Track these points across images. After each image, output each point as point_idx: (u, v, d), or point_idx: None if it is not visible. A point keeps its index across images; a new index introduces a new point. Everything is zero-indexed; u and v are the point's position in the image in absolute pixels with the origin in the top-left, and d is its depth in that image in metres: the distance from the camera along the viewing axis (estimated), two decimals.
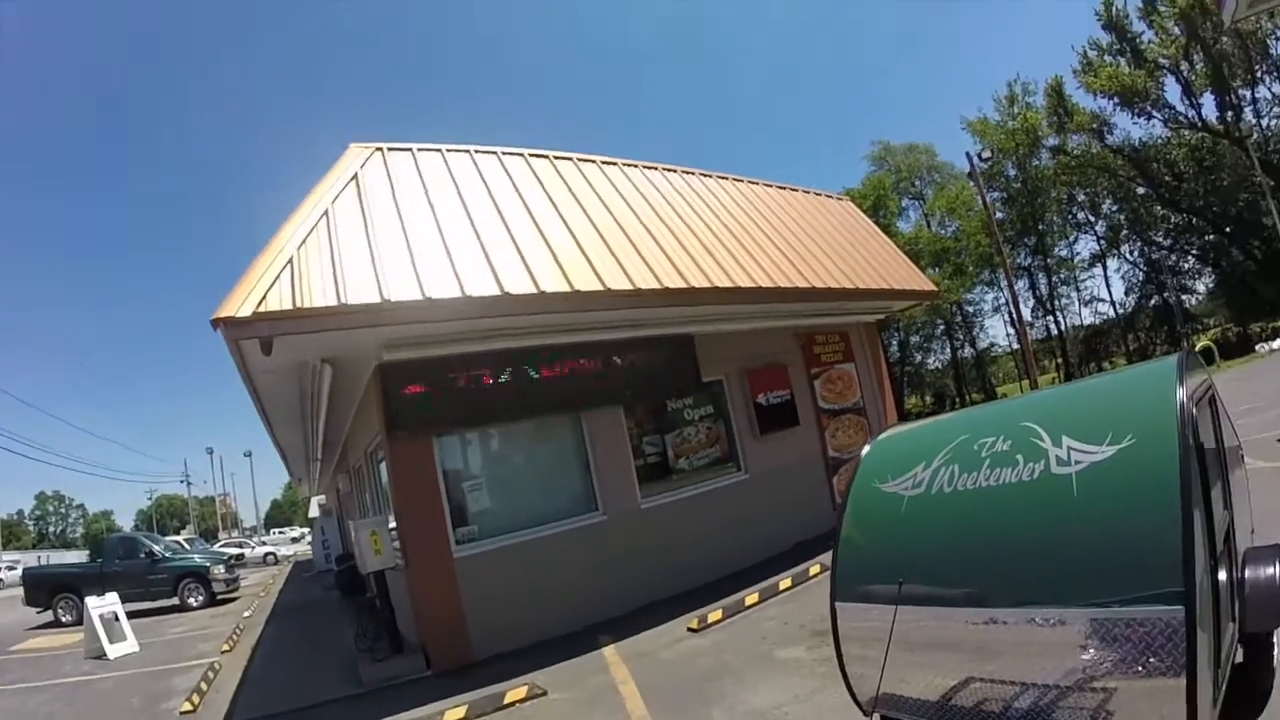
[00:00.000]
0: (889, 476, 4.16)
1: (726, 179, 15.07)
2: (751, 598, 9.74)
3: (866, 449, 4.62)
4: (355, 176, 9.53)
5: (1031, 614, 3.29)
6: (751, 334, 13.32)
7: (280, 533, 74.08)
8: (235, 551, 35.23)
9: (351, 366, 10.07)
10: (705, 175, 14.59)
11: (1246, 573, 3.93)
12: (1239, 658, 3.99)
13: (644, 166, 13.40)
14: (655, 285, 10.49)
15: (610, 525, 10.86)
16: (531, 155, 11.71)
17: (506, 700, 7.46)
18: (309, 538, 43.69)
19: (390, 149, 10.33)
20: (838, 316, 15.45)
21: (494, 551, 9.94)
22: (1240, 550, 4.14)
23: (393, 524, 10.34)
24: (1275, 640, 4.14)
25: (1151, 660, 2.91)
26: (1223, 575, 3.52)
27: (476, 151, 11.12)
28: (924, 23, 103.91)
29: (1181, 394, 3.28)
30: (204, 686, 10.36)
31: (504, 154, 11.39)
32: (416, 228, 9.25)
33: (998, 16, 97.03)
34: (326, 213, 8.83)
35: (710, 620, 9.13)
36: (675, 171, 13.98)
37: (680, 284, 10.81)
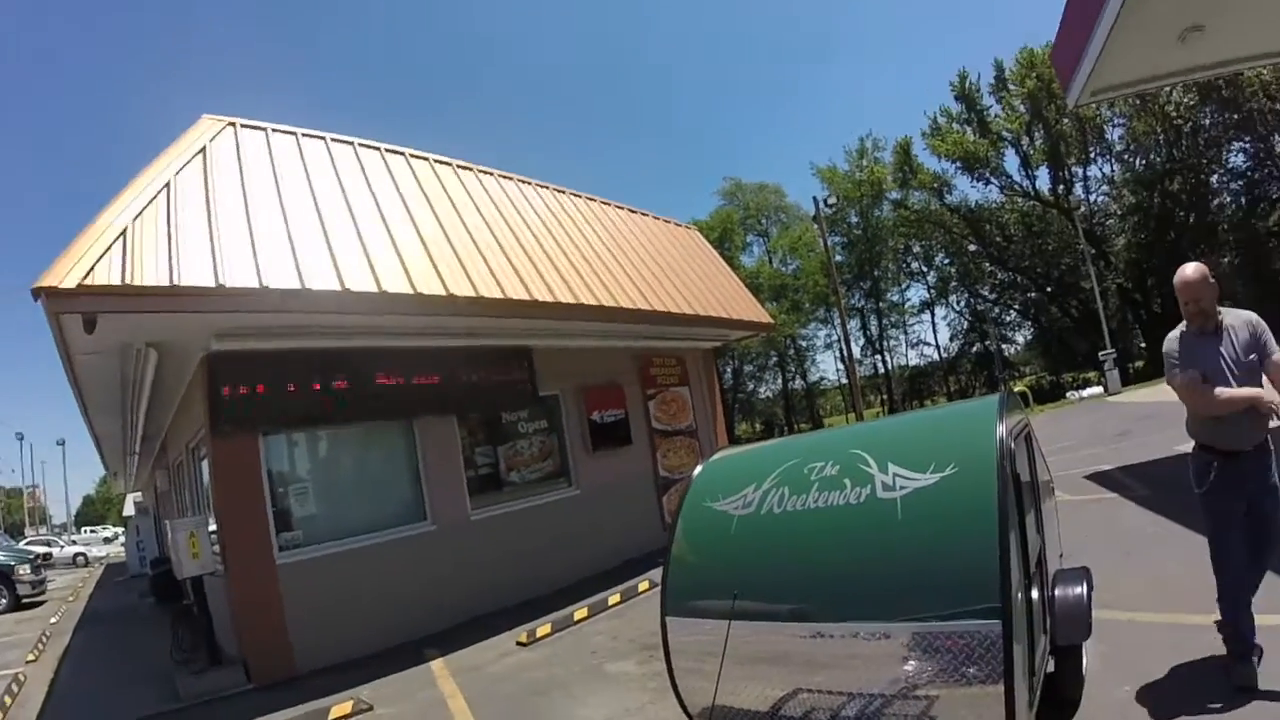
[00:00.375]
0: (720, 496, 4.32)
1: (580, 197, 15.28)
2: (581, 613, 9.81)
3: (699, 469, 4.80)
4: (204, 150, 9.06)
5: (857, 628, 3.52)
6: (590, 352, 13.53)
7: (92, 531, 67.74)
8: (43, 550, 32.96)
9: (179, 353, 9.47)
10: (559, 191, 14.75)
11: (1056, 591, 4.41)
12: (1051, 668, 4.41)
13: (499, 175, 13.42)
14: (498, 294, 10.49)
15: (439, 536, 10.73)
16: (388, 150, 11.53)
17: (331, 716, 7.25)
18: (123, 538, 40.99)
19: (244, 125, 9.92)
20: (676, 341, 15.83)
21: (319, 559, 9.55)
22: (1051, 572, 4.60)
23: (213, 526, 9.77)
24: (1083, 652, 4.57)
25: (971, 670, 3.18)
26: (1035, 594, 3.90)
27: (332, 140, 10.86)
28: (796, 72, 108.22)
29: (1001, 429, 3.59)
30: (7, 701, 9.62)
31: (360, 145, 11.17)
32: (261, 212, 8.87)
33: (861, 76, 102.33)
34: (168, 185, 8.34)
35: (539, 634, 9.14)
36: (530, 184, 14.07)
37: (523, 295, 10.86)
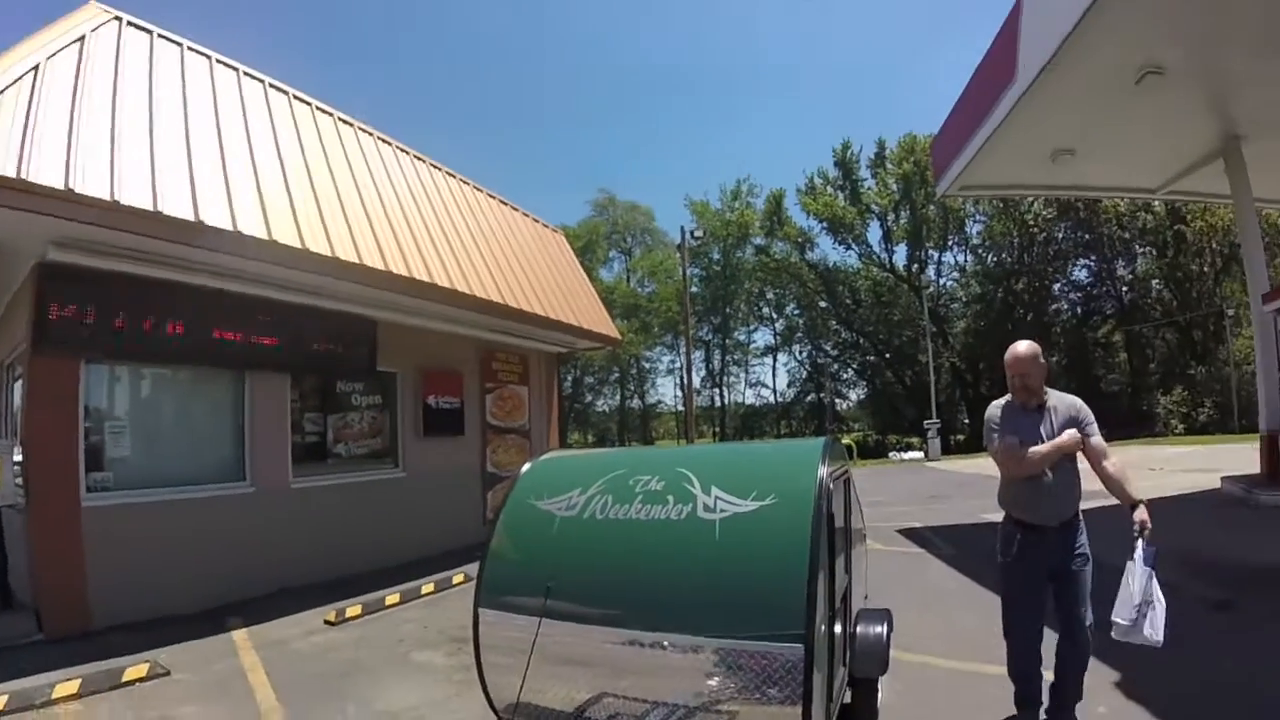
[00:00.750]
0: (545, 495, 4.36)
1: (454, 177, 15.16)
2: (393, 598, 9.68)
3: (527, 466, 4.84)
4: (82, 39, 8.41)
5: (667, 639, 3.61)
6: (436, 335, 13.43)
7: None
8: None
9: (8, 255, 8.71)
10: (435, 167, 14.58)
11: (859, 628, 4.70)
12: (848, 699, 4.67)
13: (379, 137, 13.12)
14: (353, 258, 10.29)
15: (257, 499, 10.28)
16: (272, 86, 11.00)
17: (125, 678, 6.79)
18: None
19: (130, 23, 9.21)
20: (522, 339, 15.87)
21: (129, 506, 8.91)
22: (855, 610, 4.90)
23: (19, 456, 8.80)
24: (879, 687, 4.94)
25: (772, 690, 3.34)
26: (839, 627, 4.16)
27: (217, 60, 10.26)
28: (692, 105, 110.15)
29: (823, 470, 3.80)
30: None
31: (244, 73, 10.63)
32: (129, 121, 8.29)
33: (756, 122, 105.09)
34: (37, 68, 7.72)
35: (348, 615, 8.96)
36: (408, 153, 13.85)
37: (379, 265, 10.69)
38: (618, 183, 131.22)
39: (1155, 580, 4.24)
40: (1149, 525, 4.43)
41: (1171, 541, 10.28)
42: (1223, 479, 15.25)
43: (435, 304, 12.36)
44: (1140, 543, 4.36)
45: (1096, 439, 4.79)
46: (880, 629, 4.71)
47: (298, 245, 9.50)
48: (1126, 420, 48.25)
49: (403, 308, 12.21)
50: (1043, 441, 4.75)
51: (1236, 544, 10.39)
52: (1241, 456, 18.17)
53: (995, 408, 5.07)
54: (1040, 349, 4.96)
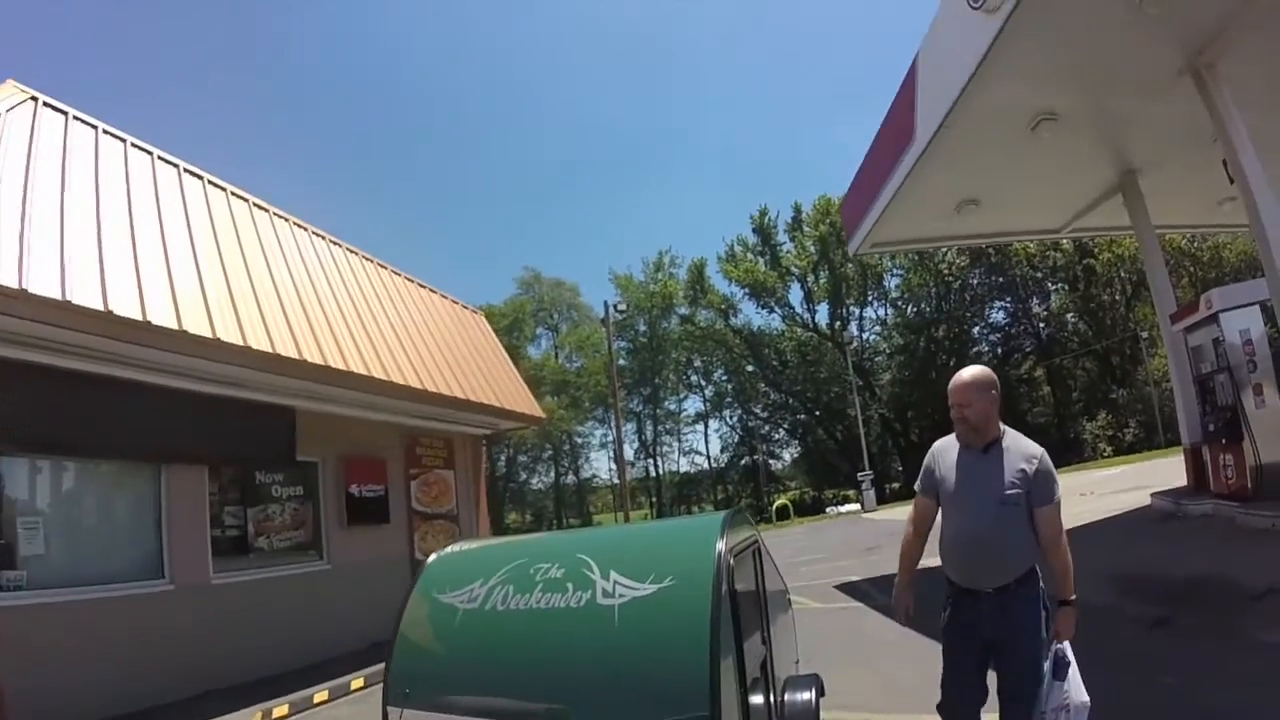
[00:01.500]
0: (448, 588, 4.29)
1: (371, 261, 15.11)
2: (321, 695, 9.43)
3: (432, 558, 4.76)
4: None
5: None
6: (357, 421, 13.25)
7: None
8: None
9: None
10: (351, 251, 14.54)
11: (786, 697, 4.68)
12: None
13: (294, 223, 13.03)
14: (267, 348, 10.14)
15: (178, 597, 9.92)
16: (186, 171, 10.93)
17: None
18: None
19: (46, 104, 9.16)
20: (446, 423, 15.74)
21: (44, 607, 8.53)
22: (782, 678, 4.86)
23: None
24: None
25: None
26: (759, 700, 4.05)
27: (132, 144, 10.18)
28: (622, 183, 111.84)
29: (721, 546, 3.73)
30: None
31: (159, 158, 10.53)
32: (40, 206, 8.18)
33: (672, 195, 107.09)
34: None
35: (276, 716, 8.72)
36: (324, 238, 13.78)
37: (293, 353, 10.56)
38: (543, 259, 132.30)
39: (1074, 686, 3.90)
40: (1068, 630, 4.00)
41: (1107, 563, 10.73)
42: (1152, 495, 15.62)
43: (354, 391, 12.21)
44: (1054, 649, 3.97)
45: (1047, 509, 4.03)
46: (808, 695, 4.71)
47: (208, 335, 9.34)
48: (1055, 449, 49.83)
49: (321, 396, 12.02)
50: (978, 495, 4.07)
51: (1169, 558, 10.64)
52: (1170, 470, 18.68)
53: (935, 451, 4.43)
54: (993, 378, 4.27)
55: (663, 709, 3.32)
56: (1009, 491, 3.98)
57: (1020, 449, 4.14)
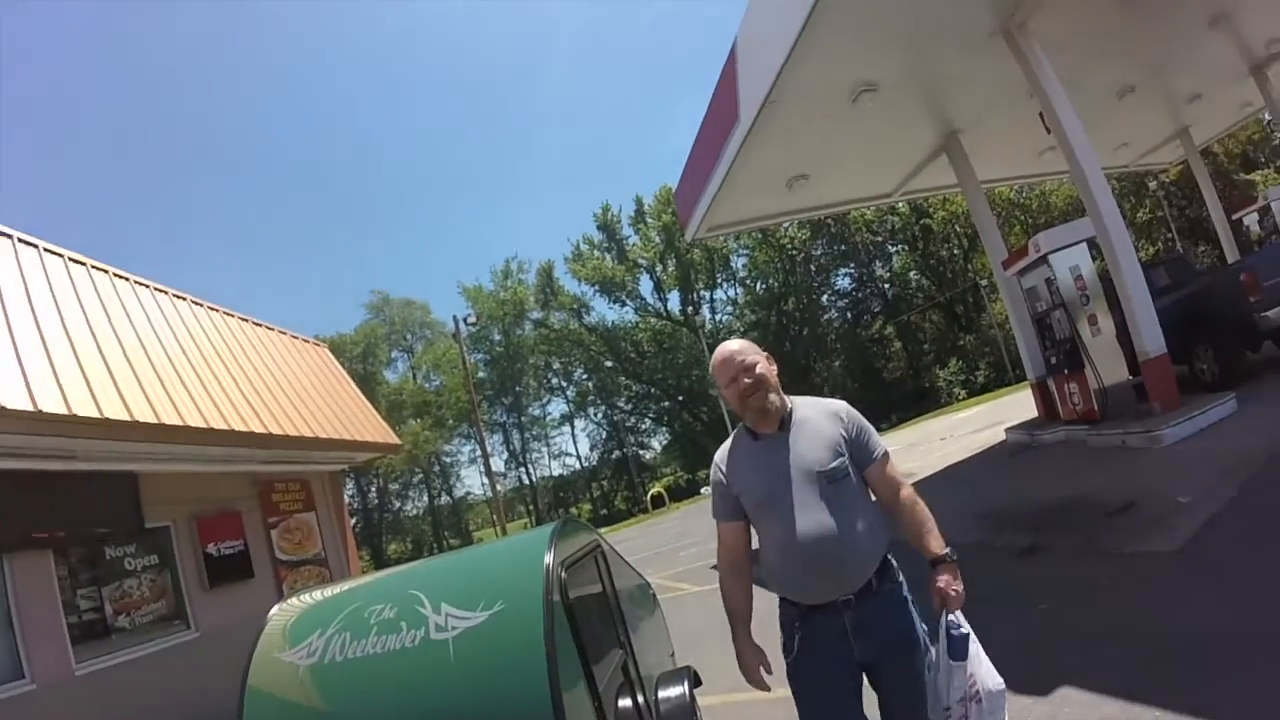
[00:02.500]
0: (288, 646, 4.11)
1: (201, 305, 14.29)
2: None
3: (272, 612, 4.56)
4: None
5: None
6: (205, 477, 12.57)
7: None
8: None
9: None
10: (179, 297, 13.69)
11: (660, 694, 4.62)
12: None
13: (113, 273, 12.15)
14: (94, 414, 9.35)
15: (40, 698, 9.04)
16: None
17: None
18: None
19: None
20: (299, 464, 15.17)
21: None
22: (655, 676, 4.83)
23: None
24: None
25: None
26: (627, 703, 4.03)
27: None
28: (464, 195, 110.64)
29: (549, 560, 3.67)
30: None
31: None
32: None
33: (513, 201, 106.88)
34: None
35: None
36: (147, 286, 12.91)
37: (123, 416, 9.77)
38: (391, 281, 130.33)
39: (979, 667, 3.10)
40: (957, 593, 3.15)
41: (970, 500, 11.16)
42: (1007, 430, 16.44)
43: (196, 446, 11.54)
44: (945, 621, 3.14)
45: (877, 465, 3.37)
46: (680, 690, 4.68)
47: (29, 408, 8.55)
48: (912, 399, 53.81)
49: (163, 456, 11.31)
50: (793, 483, 3.25)
51: (1029, 487, 11.14)
52: (1021, 405, 19.59)
53: (719, 462, 3.57)
54: (763, 353, 3.48)
55: None
56: (832, 463, 3.24)
57: (819, 410, 3.45)
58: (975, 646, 3.10)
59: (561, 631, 3.42)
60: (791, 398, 3.46)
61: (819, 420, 3.37)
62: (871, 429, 3.43)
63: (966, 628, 3.11)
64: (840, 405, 3.46)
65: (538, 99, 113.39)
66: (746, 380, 3.32)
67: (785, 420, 3.37)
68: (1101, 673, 4.83)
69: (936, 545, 3.22)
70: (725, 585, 3.56)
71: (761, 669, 3.47)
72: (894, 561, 3.38)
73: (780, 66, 11.19)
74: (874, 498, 3.39)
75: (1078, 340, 12.54)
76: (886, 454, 3.40)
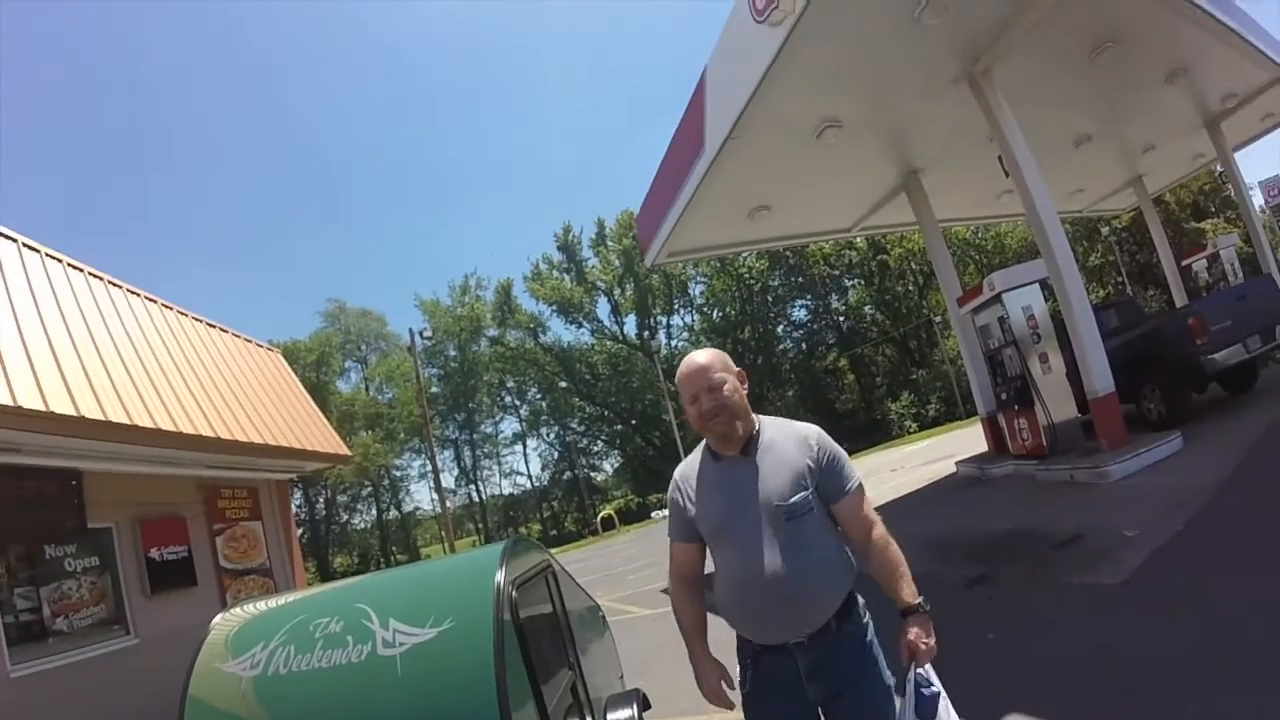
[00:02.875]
0: (230, 656, 4.06)
1: (155, 302, 14.04)
2: None
3: (215, 621, 4.52)
4: None
5: None
6: (150, 479, 12.34)
7: None
8: None
9: None
10: (133, 292, 13.42)
11: (608, 716, 4.63)
12: None
13: (68, 263, 11.92)
14: (40, 406, 9.10)
15: None
16: None
17: None
18: None
19: None
20: (246, 471, 14.95)
21: None
22: (603, 698, 4.86)
23: None
24: None
25: None
26: None
27: None
28: (425, 207, 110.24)
29: (500, 578, 3.67)
30: None
31: None
32: None
33: (474, 217, 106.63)
34: None
35: None
36: (101, 279, 12.64)
37: (69, 411, 9.51)
38: (349, 290, 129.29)
39: None
40: (928, 646, 2.95)
41: (922, 530, 11.35)
42: (957, 463, 16.80)
43: (142, 446, 11.33)
44: (913, 676, 2.93)
45: (849, 499, 3.11)
46: (629, 712, 4.70)
47: None
48: (864, 430, 54.58)
49: (108, 454, 11.04)
50: (751, 514, 3.03)
51: (979, 519, 11.33)
52: (972, 439, 19.99)
53: (677, 482, 3.36)
54: (731, 364, 3.25)
55: None
56: (794, 498, 3.00)
57: (788, 435, 3.20)
58: (945, 706, 2.90)
59: (511, 651, 3.41)
60: (760, 418, 3.24)
61: (786, 446, 3.12)
62: (845, 459, 3.17)
63: (938, 686, 2.93)
64: (812, 431, 3.21)
65: (506, 116, 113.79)
66: (710, 402, 3.09)
67: (750, 443, 3.15)
68: (1050, 701, 4.91)
69: (909, 594, 3.02)
70: (677, 604, 3.40)
71: (723, 683, 3.24)
72: (860, 600, 3.18)
73: (747, 100, 11.35)
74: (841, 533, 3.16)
75: (1028, 377, 12.81)
76: (860, 488, 3.15)
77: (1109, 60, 13.51)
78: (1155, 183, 25.57)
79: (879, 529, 3.10)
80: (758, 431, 3.17)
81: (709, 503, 3.16)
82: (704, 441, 3.29)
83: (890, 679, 3.09)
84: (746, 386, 3.22)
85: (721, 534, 3.12)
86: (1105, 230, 50.80)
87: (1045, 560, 8.09)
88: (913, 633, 2.94)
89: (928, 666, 2.95)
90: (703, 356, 3.18)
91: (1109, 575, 6.94)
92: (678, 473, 3.37)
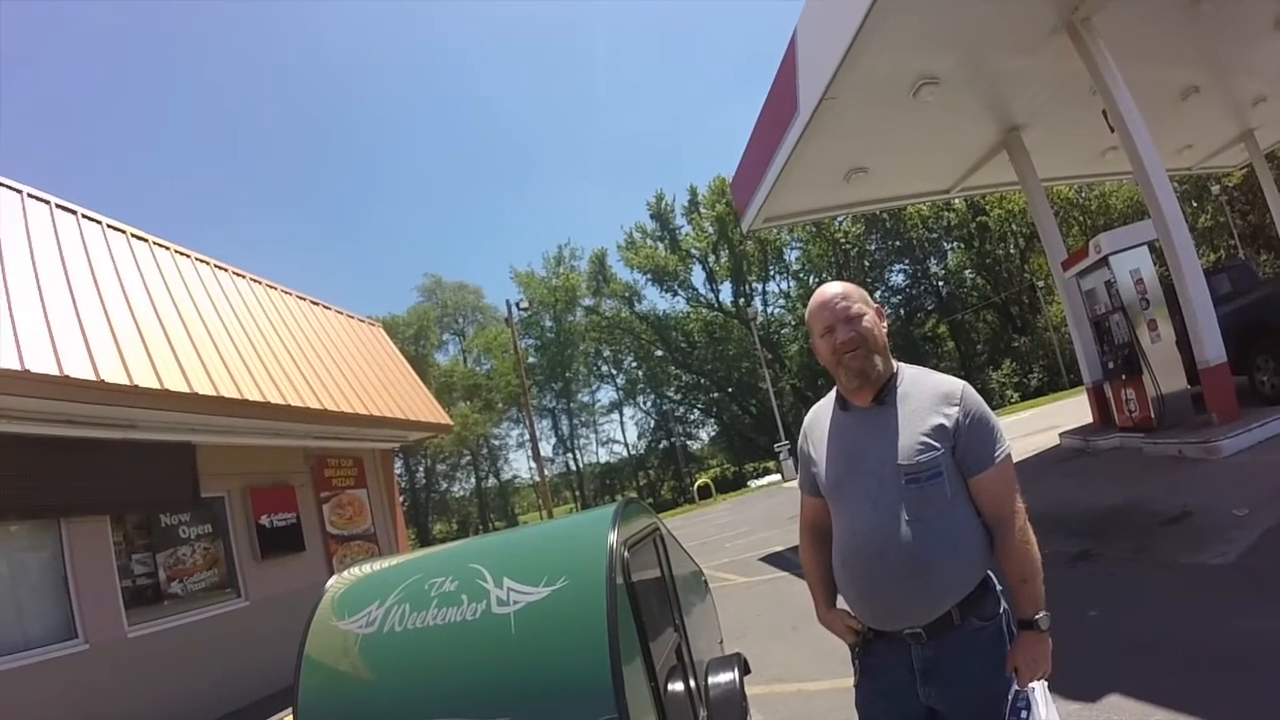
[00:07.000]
0: (345, 615, 4.15)
1: (260, 283, 14.62)
2: None
3: (330, 583, 4.57)
4: None
5: None
6: (260, 450, 12.86)
7: None
8: None
9: None
10: (239, 275, 13.99)
11: (709, 679, 4.64)
12: None
13: (175, 250, 12.43)
14: (155, 385, 9.64)
15: (93, 657, 9.31)
16: (59, 206, 10.30)
17: None
18: None
19: None
20: (352, 441, 15.42)
21: None
22: (705, 661, 4.85)
23: None
24: None
25: None
26: (678, 686, 4.03)
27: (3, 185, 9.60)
28: (519, 180, 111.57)
29: (613, 538, 3.67)
30: None
31: (29, 195, 9.92)
32: None
33: (567, 188, 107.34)
34: None
35: None
36: (208, 263, 13.20)
37: (183, 388, 10.07)
38: (445, 265, 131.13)
39: None
40: (1032, 670, 2.53)
41: (1026, 505, 10.95)
42: (1061, 434, 16.17)
43: (253, 420, 11.83)
44: (1012, 695, 2.50)
45: (990, 473, 2.54)
46: (730, 676, 4.69)
47: (93, 379, 8.82)
48: None
49: (220, 428, 11.62)
50: (882, 466, 2.54)
51: (1084, 492, 10.90)
52: (1076, 410, 19.34)
53: (806, 424, 3.02)
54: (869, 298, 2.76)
55: (570, 713, 3.25)
56: (920, 457, 2.47)
57: (929, 387, 2.65)
58: None
59: (623, 610, 3.42)
60: (900, 365, 2.74)
61: (922, 400, 2.59)
62: (995, 423, 2.60)
63: (1040, 713, 2.52)
64: (957, 385, 2.64)
65: (592, 86, 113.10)
66: (847, 333, 2.60)
67: (886, 390, 2.64)
68: (1151, 681, 4.77)
69: (1028, 606, 2.55)
70: (804, 556, 3.11)
71: (850, 630, 2.80)
72: (997, 588, 2.67)
73: (840, 59, 11.07)
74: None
75: (1136, 346, 12.26)
76: (1008, 460, 2.58)
77: (1212, 5, 12.88)
78: (1268, 137, 24.04)
79: (1021, 520, 2.57)
80: (896, 380, 2.66)
81: (829, 456, 2.75)
82: (834, 389, 2.83)
83: (1017, 694, 2.56)
84: (886, 324, 2.74)
85: (838, 492, 2.69)
86: (1216, 189, 48.05)
87: (1151, 537, 7.82)
88: (1021, 648, 2.52)
89: (1032, 687, 2.53)
90: (838, 286, 2.71)
91: (1217, 555, 6.70)
92: (806, 419, 3.01)
